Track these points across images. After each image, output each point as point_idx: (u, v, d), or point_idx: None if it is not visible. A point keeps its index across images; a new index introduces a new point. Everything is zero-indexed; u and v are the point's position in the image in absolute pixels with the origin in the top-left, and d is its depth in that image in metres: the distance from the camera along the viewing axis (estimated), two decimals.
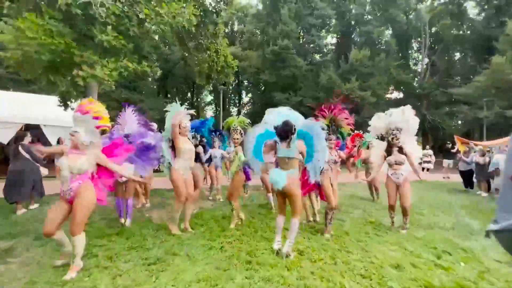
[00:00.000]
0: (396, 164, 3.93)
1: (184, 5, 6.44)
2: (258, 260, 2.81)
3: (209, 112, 34.56)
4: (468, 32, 23.96)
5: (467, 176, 8.29)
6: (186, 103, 30.06)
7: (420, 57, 26.51)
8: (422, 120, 22.28)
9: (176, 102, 3.69)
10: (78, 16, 4.87)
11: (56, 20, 4.73)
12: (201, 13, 7.70)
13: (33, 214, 4.65)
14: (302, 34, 24.60)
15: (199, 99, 33.64)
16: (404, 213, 3.93)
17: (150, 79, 24.63)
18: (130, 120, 4.19)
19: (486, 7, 22.68)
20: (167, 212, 4.81)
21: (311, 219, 4.39)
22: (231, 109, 32.65)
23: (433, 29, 25.12)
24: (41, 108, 9.31)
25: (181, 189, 3.63)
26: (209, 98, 33.94)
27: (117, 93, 18.28)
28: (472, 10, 24.82)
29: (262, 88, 28.03)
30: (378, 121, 4.34)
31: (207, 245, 3.25)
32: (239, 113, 31.92)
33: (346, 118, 3.93)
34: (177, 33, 8.14)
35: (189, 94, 31.76)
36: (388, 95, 25.77)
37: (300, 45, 23.76)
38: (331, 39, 28.34)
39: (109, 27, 4.63)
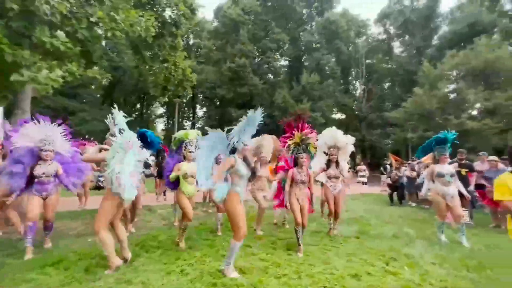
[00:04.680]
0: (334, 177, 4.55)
1: (142, 14, 6.21)
2: (223, 282, 2.68)
3: (160, 125, 32.88)
4: (395, 66, 28.45)
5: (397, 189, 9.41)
6: (135, 115, 28.15)
7: (359, 84, 30.25)
8: (361, 139, 25.06)
9: (119, 112, 3.04)
10: (13, 10, 4.26)
11: None
12: (159, 24, 7.51)
13: None
14: (258, 55, 25.77)
15: (149, 111, 31.86)
16: (336, 217, 4.65)
17: (93, 86, 22.46)
18: (58, 138, 3.60)
19: (408, 47, 27.48)
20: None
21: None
22: (184, 122, 31.68)
23: (368, 61, 29.11)
24: None
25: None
26: (161, 110, 32.45)
27: (53, 101, 16.16)
28: (398, 49, 29.87)
29: (218, 103, 28.03)
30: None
31: (165, 269, 2.97)
32: (193, 126, 31.13)
33: (311, 137, 4.20)
34: (132, 41, 7.72)
35: (138, 105, 29.84)
36: (333, 116, 28.50)
37: (256, 65, 24.80)
38: (284, 62, 30.37)
39: (61, 31, 4.12)
